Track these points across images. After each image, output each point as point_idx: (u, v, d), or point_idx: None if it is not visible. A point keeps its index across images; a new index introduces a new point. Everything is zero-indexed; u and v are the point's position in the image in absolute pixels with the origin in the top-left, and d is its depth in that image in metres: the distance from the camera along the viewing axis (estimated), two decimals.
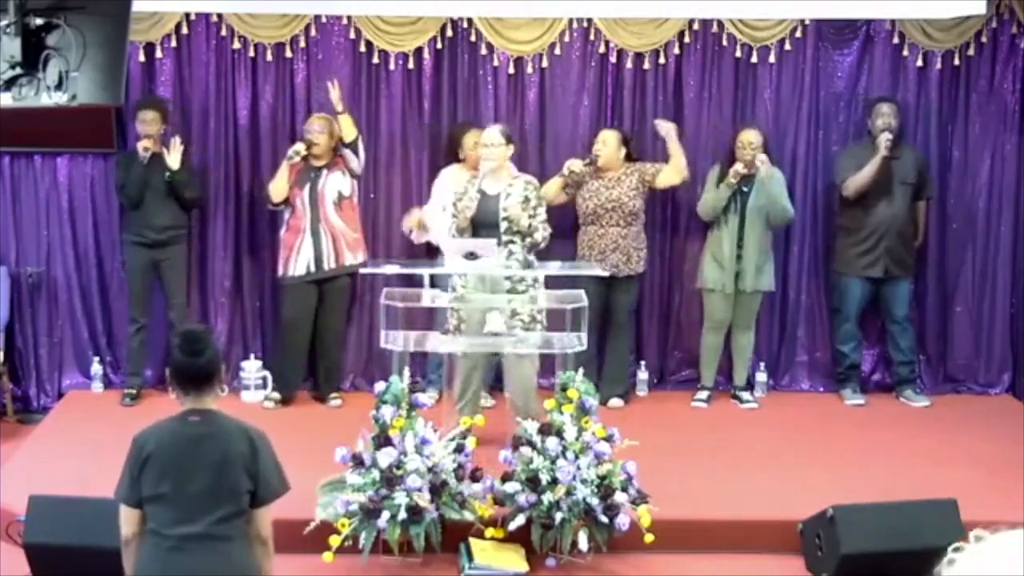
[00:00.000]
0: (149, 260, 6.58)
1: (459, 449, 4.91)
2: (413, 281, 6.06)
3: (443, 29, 6.76)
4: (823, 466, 5.77)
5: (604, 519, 4.77)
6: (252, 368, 6.77)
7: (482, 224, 5.67)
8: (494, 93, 6.85)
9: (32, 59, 3.88)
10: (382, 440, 4.80)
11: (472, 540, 4.85)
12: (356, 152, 6.47)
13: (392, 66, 6.80)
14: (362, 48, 6.77)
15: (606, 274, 6.27)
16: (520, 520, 4.79)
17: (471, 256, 5.38)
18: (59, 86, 3.87)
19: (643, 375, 6.98)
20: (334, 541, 4.70)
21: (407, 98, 6.85)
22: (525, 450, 4.87)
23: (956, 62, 6.90)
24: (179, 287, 6.66)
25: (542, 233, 5.67)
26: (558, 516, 4.74)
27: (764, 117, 6.92)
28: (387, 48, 6.77)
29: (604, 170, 6.52)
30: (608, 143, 6.52)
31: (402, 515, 4.70)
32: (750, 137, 6.53)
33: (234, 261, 6.89)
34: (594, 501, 4.76)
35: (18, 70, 3.89)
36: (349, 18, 6.72)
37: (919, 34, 6.84)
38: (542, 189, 6.56)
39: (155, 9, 6.46)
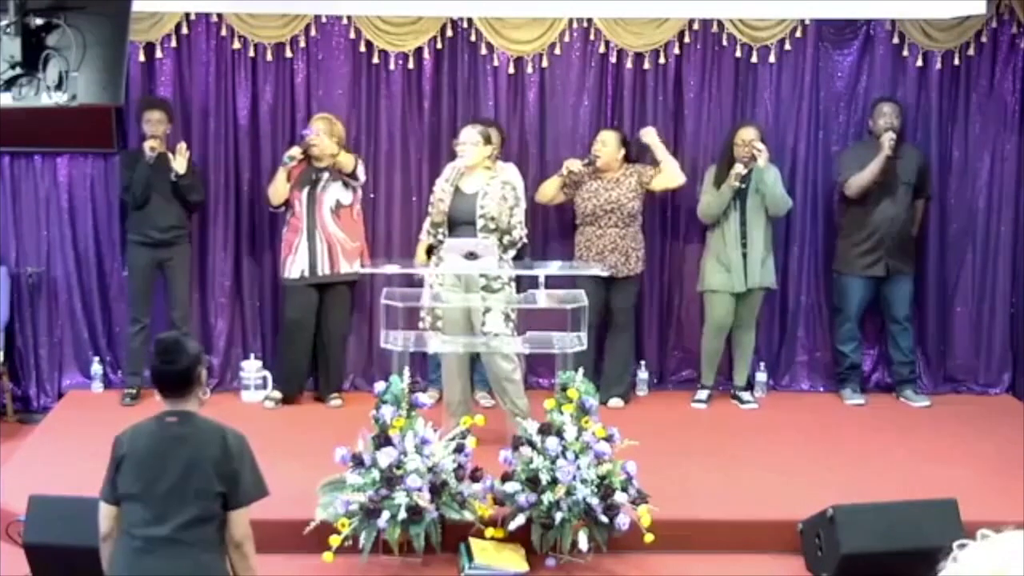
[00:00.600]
0: (153, 260, 6.59)
1: (459, 449, 4.91)
2: (412, 281, 6.08)
3: (443, 29, 6.76)
4: (823, 466, 5.77)
5: (604, 519, 4.77)
6: (252, 368, 6.77)
7: (459, 222, 5.69)
8: (494, 93, 6.85)
9: (32, 59, 3.88)
10: (382, 440, 4.80)
11: (472, 540, 4.85)
12: (356, 177, 6.49)
13: (392, 66, 6.80)
14: (362, 48, 6.77)
15: (607, 274, 6.29)
16: (520, 520, 4.79)
17: (471, 256, 5.38)
18: (59, 86, 3.87)
19: (643, 375, 6.98)
20: (334, 541, 4.70)
21: (407, 98, 6.85)
22: (525, 450, 4.87)
23: (956, 62, 6.90)
24: (183, 287, 6.67)
25: (519, 232, 5.71)
26: (558, 516, 4.74)
27: (764, 117, 6.93)
28: (387, 48, 6.77)
29: (603, 171, 6.52)
30: (608, 143, 6.52)
31: (402, 515, 4.70)
32: (748, 135, 6.53)
33: (234, 261, 6.90)
34: (594, 501, 4.76)
35: (18, 70, 3.88)
36: (349, 18, 6.72)
37: (919, 34, 6.84)
38: (540, 189, 6.58)
39: (155, 9, 6.46)
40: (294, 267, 6.50)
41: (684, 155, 6.89)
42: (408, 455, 4.78)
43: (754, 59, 6.86)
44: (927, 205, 6.95)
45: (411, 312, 5.72)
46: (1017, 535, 1.74)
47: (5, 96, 3.91)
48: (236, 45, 6.73)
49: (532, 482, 4.78)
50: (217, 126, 6.80)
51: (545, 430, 4.89)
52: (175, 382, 3.47)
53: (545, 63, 6.84)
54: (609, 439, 4.91)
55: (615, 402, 6.60)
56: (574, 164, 6.47)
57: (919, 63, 6.88)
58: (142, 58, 6.65)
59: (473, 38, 6.80)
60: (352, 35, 6.76)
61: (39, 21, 3.87)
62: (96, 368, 6.84)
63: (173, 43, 6.70)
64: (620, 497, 4.80)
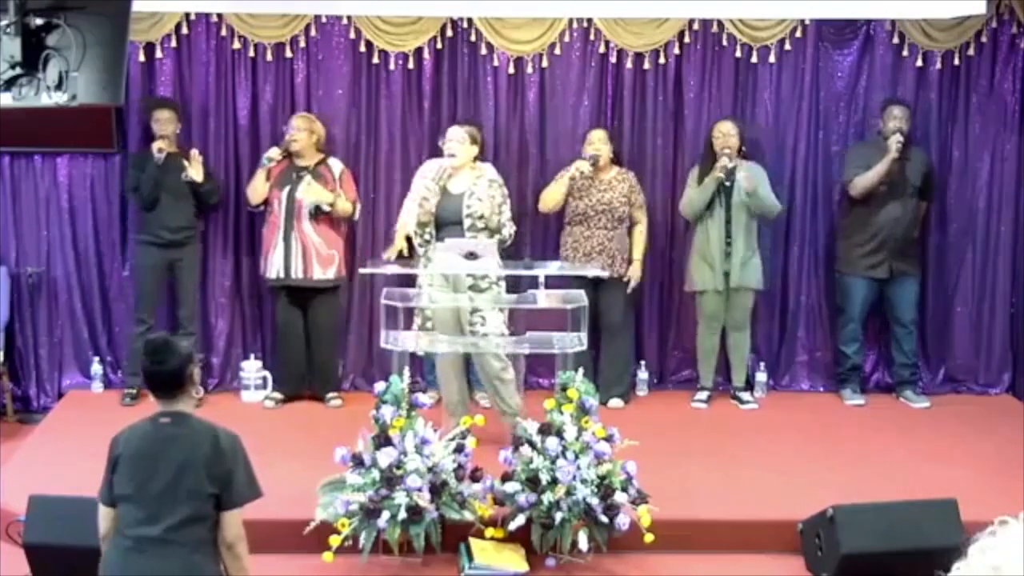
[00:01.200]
0: (164, 260, 6.59)
1: (459, 449, 4.91)
2: (405, 281, 6.10)
3: (443, 29, 6.76)
4: (823, 466, 5.77)
5: (604, 519, 4.77)
6: (252, 368, 6.77)
7: (446, 222, 5.69)
8: (494, 93, 6.85)
9: (32, 59, 3.88)
10: (382, 440, 4.80)
11: (472, 540, 4.85)
12: (354, 218, 6.54)
13: (392, 66, 6.80)
14: (362, 48, 6.77)
15: (605, 274, 6.30)
16: (520, 520, 4.78)
17: (471, 256, 5.38)
18: (59, 86, 3.87)
19: (643, 375, 6.98)
20: (334, 541, 4.70)
21: (407, 98, 6.85)
22: (525, 450, 4.87)
23: (956, 62, 6.90)
24: (192, 287, 6.68)
25: (508, 230, 5.72)
26: (558, 516, 4.74)
27: (764, 117, 6.93)
28: (387, 48, 6.77)
29: (599, 171, 6.51)
30: (604, 141, 6.52)
31: (402, 515, 4.70)
32: (724, 128, 6.54)
33: (234, 261, 6.89)
34: (594, 501, 4.76)
35: (18, 70, 3.88)
36: (349, 18, 6.72)
37: (919, 34, 6.84)
38: (543, 197, 6.55)
39: (155, 9, 6.46)
40: (272, 267, 6.52)
41: (684, 155, 6.90)
42: (408, 455, 4.78)
43: (754, 59, 6.85)
44: (928, 207, 6.95)
45: (411, 312, 5.73)
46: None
47: (5, 96, 3.91)
48: (236, 45, 6.73)
49: (532, 482, 4.78)
50: (217, 126, 6.80)
51: (545, 430, 4.89)
52: (166, 382, 3.47)
53: (545, 63, 6.84)
54: (609, 439, 4.91)
55: (615, 402, 6.60)
56: (584, 165, 6.44)
57: (919, 63, 6.88)
58: (142, 58, 6.65)
59: (473, 38, 6.80)
60: (352, 35, 6.76)
61: (39, 21, 3.87)
62: (96, 368, 6.84)
63: (173, 43, 6.70)
64: (620, 497, 4.80)
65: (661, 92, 6.89)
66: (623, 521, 4.78)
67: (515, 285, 5.81)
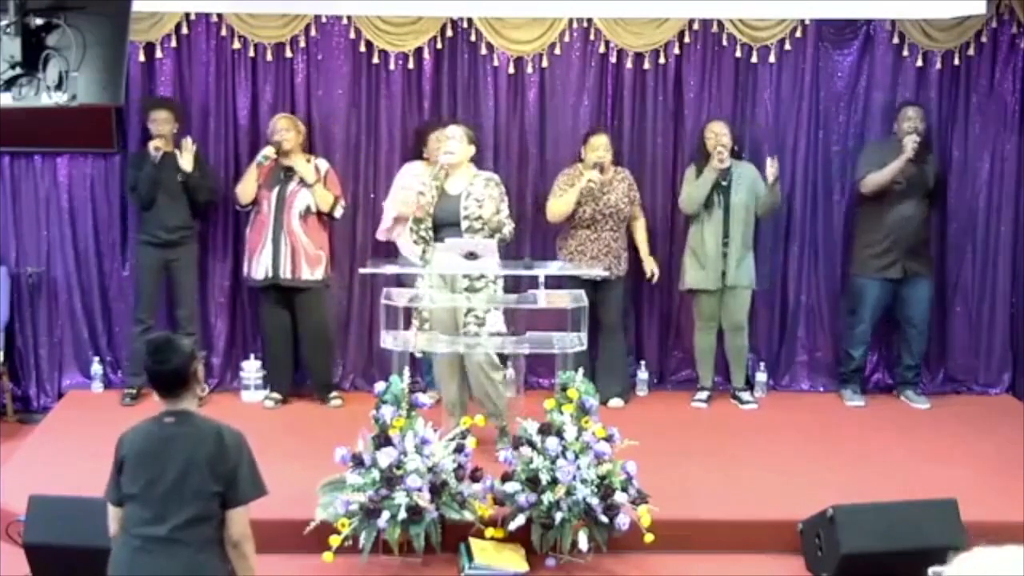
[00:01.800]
0: (160, 260, 6.59)
1: (459, 449, 4.91)
2: (402, 281, 6.10)
3: (443, 29, 6.76)
4: (823, 466, 5.77)
5: (604, 519, 4.77)
6: (252, 368, 6.77)
7: (444, 223, 5.67)
8: (494, 93, 6.85)
9: (32, 59, 3.88)
10: (382, 440, 4.80)
11: (472, 540, 4.85)
12: (333, 216, 6.55)
13: (392, 66, 6.80)
14: (362, 48, 6.76)
15: (607, 274, 6.30)
16: (520, 520, 4.79)
17: (471, 256, 5.38)
18: (59, 86, 3.87)
19: (643, 375, 6.98)
20: (334, 541, 4.70)
21: (407, 98, 6.85)
22: (525, 450, 4.87)
23: (956, 62, 6.90)
24: (189, 287, 6.68)
25: (508, 229, 5.70)
26: (558, 516, 4.74)
27: (764, 117, 6.93)
28: (387, 48, 6.77)
29: (604, 174, 6.52)
30: (608, 148, 6.51)
31: (402, 515, 4.70)
32: (716, 128, 6.56)
33: (233, 261, 6.89)
34: (594, 501, 4.76)
35: (18, 70, 3.88)
36: (349, 18, 6.72)
37: (919, 34, 6.84)
38: (552, 209, 6.53)
39: (155, 9, 6.46)
40: (258, 268, 6.51)
41: (684, 155, 6.90)
42: (408, 455, 4.78)
43: (754, 59, 6.85)
44: (930, 210, 6.95)
45: (410, 312, 5.73)
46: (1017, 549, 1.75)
47: (5, 96, 3.91)
48: (236, 45, 6.73)
49: (532, 482, 4.78)
50: (217, 126, 6.80)
51: (545, 430, 4.89)
52: (169, 381, 3.48)
53: (545, 63, 6.84)
54: (609, 439, 4.91)
55: (615, 402, 6.60)
56: (595, 176, 6.42)
57: (919, 63, 6.88)
58: (142, 58, 6.65)
59: (473, 38, 6.80)
60: (352, 35, 6.76)
61: (39, 21, 3.87)
62: (96, 368, 6.84)
63: (173, 43, 6.70)
64: (620, 497, 4.80)
65: (661, 92, 6.89)
66: (623, 521, 4.78)
67: (515, 285, 5.81)
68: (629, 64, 6.84)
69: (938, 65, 6.89)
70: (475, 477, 4.90)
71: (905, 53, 6.88)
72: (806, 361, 7.15)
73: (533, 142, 6.90)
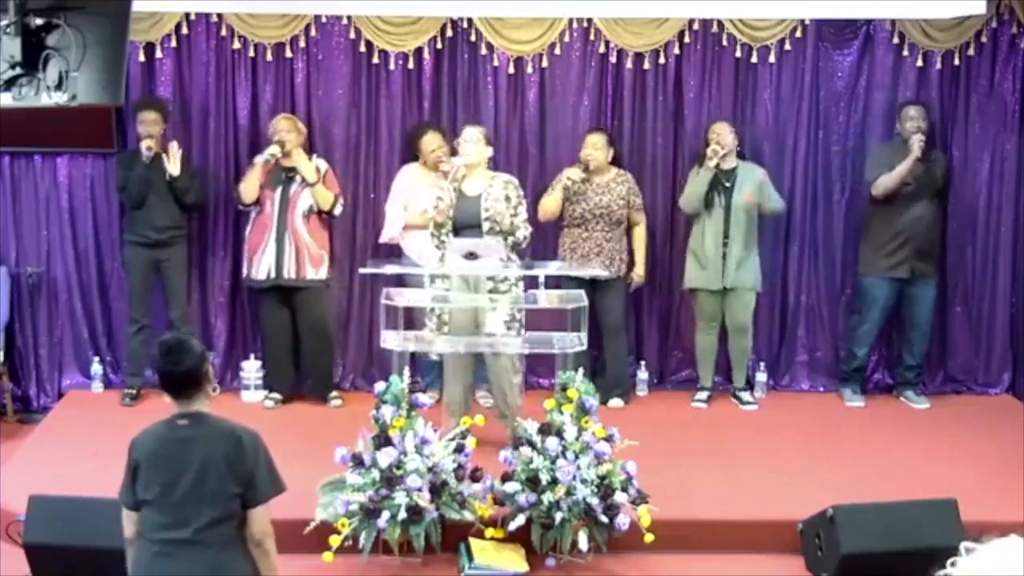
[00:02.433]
0: (150, 260, 6.59)
1: (459, 449, 4.91)
2: (402, 281, 6.11)
3: (443, 29, 6.76)
4: (823, 466, 5.77)
5: (604, 519, 4.77)
6: (252, 368, 6.76)
7: (464, 225, 5.67)
8: (494, 93, 6.85)
9: (32, 59, 3.88)
10: (382, 440, 4.80)
11: (472, 540, 4.85)
12: (333, 214, 6.55)
13: (392, 66, 6.80)
14: (362, 48, 6.77)
15: (605, 274, 6.29)
16: (520, 520, 4.79)
17: (471, 256, 5.38)
18: (59, 86, 3.87)
19: (643, 375, 6.98)
20: (334, 541, 4.70)
21: (407, 98, 6.85)
22: (525, 450, 4.87)
23: (956, 62, 6.90)
24: (180, 287, 6.67)
25: (524, 231, 5.69)
26: (558, 516, 4.74)
27: (764, 117, 6.93)
28: (387, 48, 6.77)
29: (594, 174, 6.51)
30: (598, 146, 6.50)
31: (402, 515, 4.70)
32: (719, 128, 6.56)
33: (233, 261, 6.89)
34: (594, 501, 4.76)
35: (18, 70, 3.88)
36: (349, 18, 6.72)
37: (919, 34, 6.84)
38: (541, 207, 6.54)
39: (155, 9, 6.46)
40: (260, 268, 6.50)
41: (684, 155, 6.90)
42: (408, 455, 4.78)
43: (754, 59, 6.85)
44: (939, 211, 6.95)
45: (411, 312, 5.72)
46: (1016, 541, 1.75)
47: (5, 96, 3.91)
48: (236, 45, 6.73)
49: (532, 482, 4.78)
50: (217, 126, 6.80)
51: (545, 430, 4.89)
52: (182, 382, 3.44)
53: (545, 63, 6.84)
54: (609, 439, 4.91)
55: (615, 402, 6.60)
56: (575, 173, 6.43)
57: (919, 63, 6.88)
58: (142, 58, 6.65)
59: (473, 38, 6.80)
60: (352, 35, 6.76)
61: (39, 21, 3.87)
62: (96, 368, 6.84)
63: (173, 43, 6.70)
64: (620, 497, 4.80)
65: (661, 92, 6.89)
66: (623, 521, 4.78)
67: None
68: (629, 64, 6.84)
69: (938, 65, 6.89)
70: (475, 477, 4.90)
71: (905, 53, 6.88)
72: (806, 361, 7.15)
73: (533, 142, 6.90)
